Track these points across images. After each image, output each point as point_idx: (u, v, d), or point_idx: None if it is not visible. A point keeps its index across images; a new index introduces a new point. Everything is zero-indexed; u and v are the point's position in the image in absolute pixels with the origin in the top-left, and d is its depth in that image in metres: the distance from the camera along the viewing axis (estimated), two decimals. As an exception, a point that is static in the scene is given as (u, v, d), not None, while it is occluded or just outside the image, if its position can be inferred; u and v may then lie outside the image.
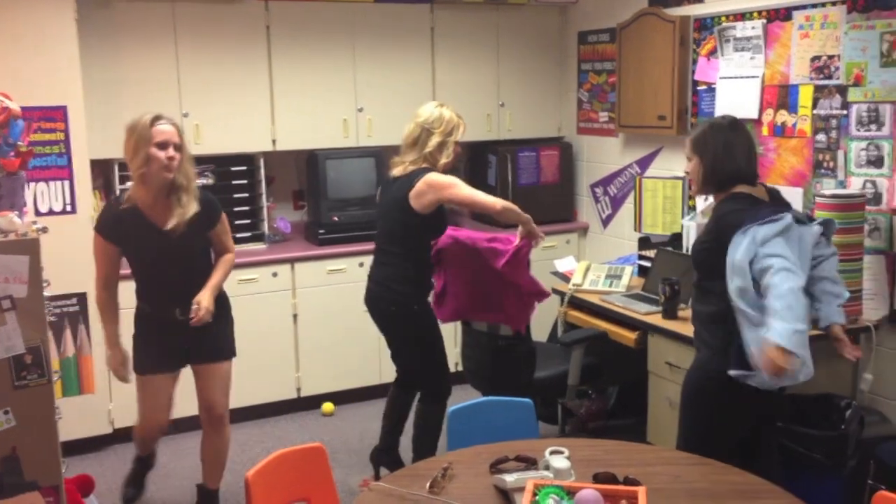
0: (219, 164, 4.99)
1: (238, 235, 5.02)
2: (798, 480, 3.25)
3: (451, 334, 4.67)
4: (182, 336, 3.45)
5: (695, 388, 2.93)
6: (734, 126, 2.94)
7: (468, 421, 2.92)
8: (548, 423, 4.44)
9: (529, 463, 2.52)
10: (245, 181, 5.05)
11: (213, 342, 3.56)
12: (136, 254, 3.44)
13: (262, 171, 5.06)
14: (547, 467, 2.45)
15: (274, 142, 5.02)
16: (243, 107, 4.93)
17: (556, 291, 4.37)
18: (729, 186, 2.89)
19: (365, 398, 5.12)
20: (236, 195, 5.04)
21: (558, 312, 4.33)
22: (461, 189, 3.60)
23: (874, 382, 3.63)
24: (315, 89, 5.10)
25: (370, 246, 5.19)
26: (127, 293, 3.57)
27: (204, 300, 3.38)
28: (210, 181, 4.98)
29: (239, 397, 4.33)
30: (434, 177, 3.62)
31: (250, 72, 4.93)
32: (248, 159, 5.07)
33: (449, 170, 3.74)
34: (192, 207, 3.36)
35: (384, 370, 5.05)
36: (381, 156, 5.18)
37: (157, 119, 3.31)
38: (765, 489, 2.39)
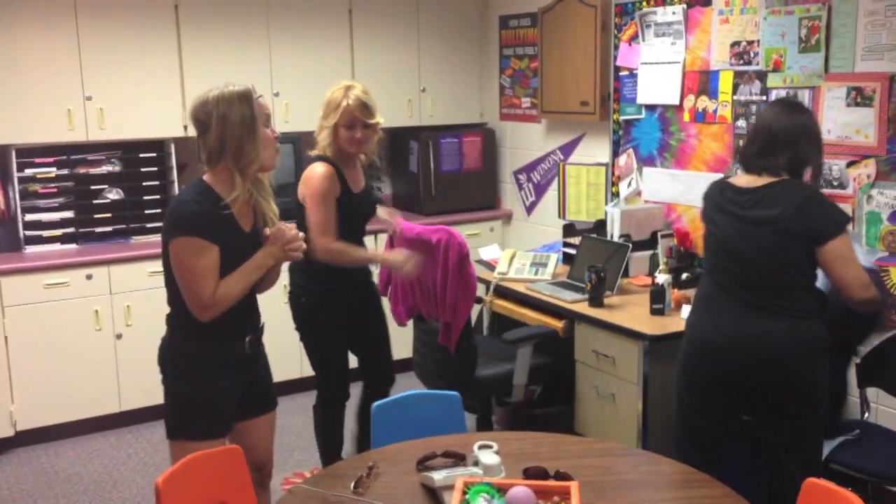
0: (126, 151, 4.76)
1: (148, 225, 4.80)
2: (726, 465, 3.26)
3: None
4: (245, 379, 2.69)
5: (808, 356, 2.74)
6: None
7: (393, 416, 2.81)
8: (473, 412, 4.36)
9: (458, 459, 2.44)
10: (155, 168, 4.82)
11: (270, 383, 2.85)
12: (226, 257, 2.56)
13: (174, 158, 4.83)
14: (476, 463, 2.37)
15: (185, 127, 4.78)
16: (152, 90, 4.68)
17: (480, 280, 4.29)
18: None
19: (284, 392, 4.96)
20: (146, 183, 4.81)
21: (484, 301, 4.25)
22: (313, 206, 3.26)
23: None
24: (228, 72, 4.73)
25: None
26: (156, 324, 2.68)
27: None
28: (116, 168, 4.73)
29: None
30: (308, 174, 3.29)
31: (159, 53, 4.69)
32: (158, 145, 4.84)
33: (344, 158, 3.34)
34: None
35: (304, 364, 4.91)
36: (299, 142, 5.01)
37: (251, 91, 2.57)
38: (696, 478, 2.36)
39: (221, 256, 2.50)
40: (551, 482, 2.18)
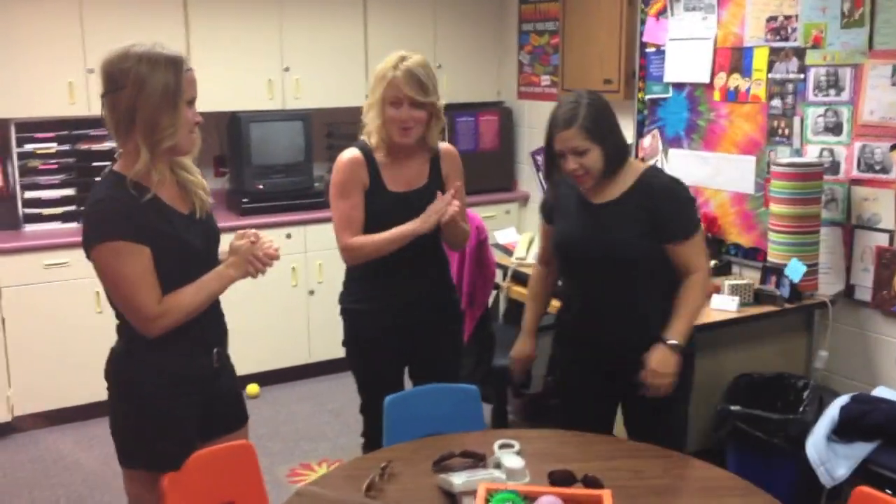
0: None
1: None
2: (755, 466, 3.09)
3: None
4: (210, 397, 2.31)
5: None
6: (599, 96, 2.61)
7: (407, 411, 2.64)
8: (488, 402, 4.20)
9: (477, 459, 2.27)
10: (159, 145, 4.63)
11: (238, 396, 2.49)
12: (171, 254, 2.16)
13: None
14: (498, 465, 2.19)
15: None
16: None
17: (497, 265, 4.11)
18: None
19: (291, 378, 4.81)
20: (150, 160, 4.61)
21: (501, 288, 4.07)
22: (331, 198, 2.79)
23: (829, 359, 3.49)
24: (237, 46, 4.69)
25: (297, 216, 4.89)
26: (103, 339, 2.31)
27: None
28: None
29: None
30: (336, 164, 2.81)
31: (164, 24, 4.49)
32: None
33: (393, 147, 2.74)
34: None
35: (313, 349, 4.76)
36: (310, 119, 4.83)
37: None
38: (733, 484, 2.19)
39: (160, 252, 2.09)
40: (581, 490, 2.01)
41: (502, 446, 2.35)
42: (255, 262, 2.24)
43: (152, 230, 2.08)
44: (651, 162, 4.36)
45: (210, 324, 2.28)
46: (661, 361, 2.45)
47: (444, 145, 2.86)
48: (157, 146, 2.06)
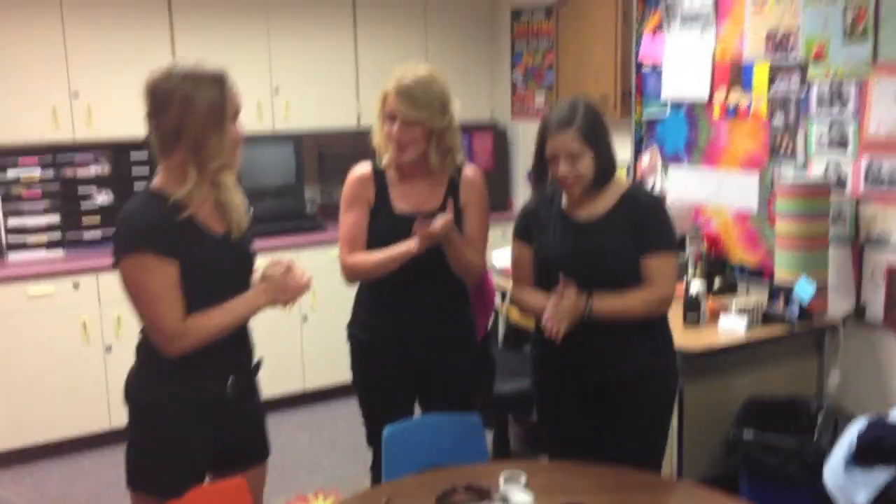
0: (115, 151, 4.47)
1: (140, 230, 4.50)
2: (769, 494, 2.97)
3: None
4: (226, 427, 2.24)
5: (671, 393, 2.61)
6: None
7: (406, 443, 2.52)
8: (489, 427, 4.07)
9: (482, 494, 2.16)
10: (146, 169, 4.52)
11: (260, 432, 2.40)
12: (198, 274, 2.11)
13: (167, 159, 4.54)
14: (504, 500, 2.07)
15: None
16: (141, 86, 4.37)
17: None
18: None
19: (286, 407, 4.67)
20: (137, 185, 4.50)
21: (499, 311, 3.96)
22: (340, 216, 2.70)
23: (841, 382, 3.38)
24: (224, 66, 4.59)
25: (289, 239, 4.79)
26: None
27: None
28: (105, 169, 4.45)
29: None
30: (347, 178, 2.71)
31: (150, 46, 4.40)
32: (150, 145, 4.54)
33: (404, 165, 2.59)
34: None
35: (308, 376, 4.63)
36: (301, 141, 4.73)
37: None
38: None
39: (189, 270, 2.06)
40: (597, 528, 1.89)
41: (508, 479, 2.23)
42: (287, 292, 2.20)
43: (181, 248, 2.05)
44: (650, 179, 4.28)
45: (228, 350, 2.20)
46: (566, 307, 2.35)
47: (468, 170, 2.67)
48: (204, 166, 2.07)
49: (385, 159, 2.61)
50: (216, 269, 2.14)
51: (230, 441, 2.25)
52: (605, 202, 2.47)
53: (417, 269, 2.54)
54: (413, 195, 2.62)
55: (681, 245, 3.86)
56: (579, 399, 2.55)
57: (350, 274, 2.64)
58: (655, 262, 2.43)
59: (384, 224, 2.60)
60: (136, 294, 2.06)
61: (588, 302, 2.37)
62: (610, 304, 2.39)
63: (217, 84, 2.08)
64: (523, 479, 2.22)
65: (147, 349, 2.15)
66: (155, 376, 2.15)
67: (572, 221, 2.49)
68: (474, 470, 2.38)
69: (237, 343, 2.25)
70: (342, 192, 2.67)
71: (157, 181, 2.13)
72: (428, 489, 2.19)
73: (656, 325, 2.52)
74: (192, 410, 2.15)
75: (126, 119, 4.36)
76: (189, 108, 2.04)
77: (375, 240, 2.59)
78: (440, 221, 2.45)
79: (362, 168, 2.67)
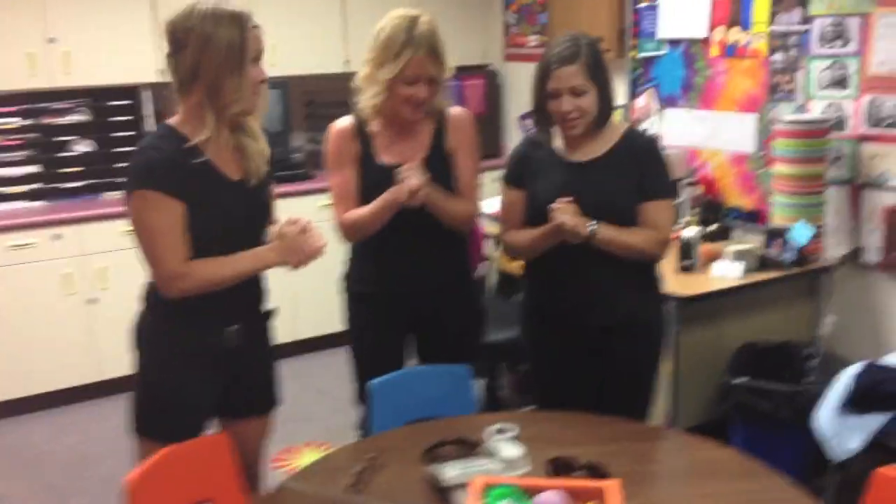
0: (95, 98, 4.36)
1: (121, 180, 4.38)
2: (760, 440, 2.94)
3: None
4: (230, 375, 2.22)
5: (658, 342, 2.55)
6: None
7: (395, 394, 2.47)
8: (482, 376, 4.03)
9: (470, 446, 2.11)
10: (128, 117, 4.42)
11: (268, 383, 2.37)
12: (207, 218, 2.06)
13: (150, 106, 4.42)
14: (492, 453, 2.02)
15: (161, 72, 4.34)
16: (122, 31, 4.25)
17: (486, 236, 3.93)
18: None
19: (279, 356, 4.64)
20: (118, 133, 4.41)
21: (491, 259, 3.89)
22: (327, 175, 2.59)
23: (835, 326, 3.33)
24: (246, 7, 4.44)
25: (280, 188, 4.68)
26: (134, 287, 2.18)
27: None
28: (85, 118, 4.33)
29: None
30: (326, 135, 2.57)
31: (131, -11, 4.25)
32: (131, 92, 4.42)
33: (392, 120, 2.47)
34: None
35: (300, 326, 4.58)
36: (288, 88, 4.60)
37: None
38: (742, 465, 2.03)
39: (197, 214, 2.02)
40: (586, 482, 1.84)
41: (499, 431, 2.18)
42: (299, 254, 2.11)
43: (191, 190, 2.00)
44: (646, 122, 4.18)
45: (236, 298, 2.15)
46: (574, 212, 2.29)
47: (454, 110, 2.55)
48: (223, 111, 2.01)
49: (370, 107, 2.46)
50: (226, 216, 2.08)
51: (237, 389, 2.23)
52: (604, 143, 2.39)
53: (410, 219, 2.44)
54: (399, 145, 2.50)
55: (676, 189, 3.78)
56: (567, 346, 2.50)
57: (348, 232, 2.54)
58: (654, 207, 2.37)
59: (372, 178, 2.49)
60: (140, 231, 2.02)
61: (595, 223, 2.29)
62: (614, 232, 2.32)
63: (237, 23, 1.98)
64: (514, 431, 2.18)
65: (154, 295, 2.12)
66: (161, 323, 2.14)
67: (570, 162, 2.41)
68: (465, 422, 2.34)
69: (247, 291, 2.20)
70: (326, 150, 2.56)
71: (173, 119, 2.07)
72: (416, 443, 2.14)
73: (647, 273, 2.45)
74: (197, 358, 2.13)
75: (105, 66, 4.25)
76: (206, 47, 1.96)
77: (366, 194, 2.49)
78: (407, 184, 2.34)
79: (342, 123, 2.54)
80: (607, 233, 2.30)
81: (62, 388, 4.19)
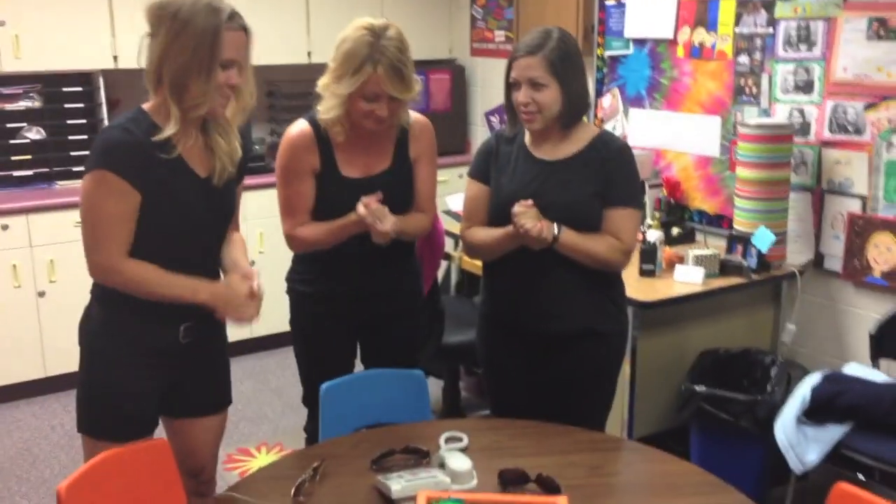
0: (47, 84, 4.21)
1: (76, 169, 4.28)
2: (720, 449, 2.91)
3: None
4: (179, 373, 2.13)
5: (618, 355, 2.49)
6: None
7: (345, 399, 2.39)
8: (440, 377, 3.96)
9: (420, 456, 2.04)
10: (81, 104, 4.28)
11: (220, 381, 2.29)
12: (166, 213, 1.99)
13: (103, 93, 4.29)
14: (442, 465, 1.96)
15: (115, 58, 4.23)
16: (76, 15, 4.11)
17: (448, 234, 3.85)
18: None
19: (234, 354, 4.53)
20: (71, 121, 4.27)
21: (452, 258, 3.82)
22: (277, 182, 2.45)
23: (797, 334, 3.31)
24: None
25: (236, 181, 4.58)
26: (85, 280, 2.05)
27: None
28: (36, 104, 4.19)
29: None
30: (282, 141, 2.42)
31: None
32: (85, 78, 4.29)
33: (354, 128, 2.34)
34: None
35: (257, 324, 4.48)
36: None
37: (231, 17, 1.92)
38: (699, 480, 1.98)
39: (153, 205, 1.92)
40: (535, 498, 1.78)
41: (449, 440, 2.13)
42: (231, 312, 2.03)
43: (154, 182, 1.91)
44: (611, 122, 4.13)
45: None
46: (536, 216, 2.21)
47: (415, 117, 2.46)
48: (186, 111, 1.91)
49: (331, 118, 2.31)
50: (187, 212, 1.99)
51: (187, 387, 2.15)
52: (573, 144, 2.32)
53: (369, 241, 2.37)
54: (361, 156, 2.39)
55: (643, 198, 3.73)
56: (523, 352, 2.44)
57: (297, 247, 2.46)
58: (619, 216, 2.29)
59: (332, 191, 2.38)
60: (88, 211, 1.92)
61: (558, 225, 2.22)
62: (577, 238, 2.25)
63: (211, 21, 1.86)
64: (465, 440, 2.12)
65: (104, 288, 2.02)
66: (109, 318, 2.04)
67: (536, 159, 2.34)
68: (416, 429, 2.27)
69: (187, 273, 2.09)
70: (278, 158, 2.40)
71: (148, 104, 1.96)
72: (365, 451, 2.08)
73: (608, 282, 2.38)
74: (146, 355, 2.05)
75: (58, 51, 4.11)
76: (175, 42, 1.85)
77: (325, 207, 2.39)
78: (384, 230, 2.26)
79: (300, 129, 2.38)
80: (570, 238, 2.24)
81: (7, 383, 4.06)
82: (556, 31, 2.27)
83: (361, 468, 2.01)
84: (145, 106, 1.97)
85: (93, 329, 2.07)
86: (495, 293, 2.48)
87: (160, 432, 2.25)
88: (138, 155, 1.89)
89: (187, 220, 2.01)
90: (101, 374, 2.07)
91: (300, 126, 2.38)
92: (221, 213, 2.12)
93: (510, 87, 2.29)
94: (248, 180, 4.48)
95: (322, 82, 2.31)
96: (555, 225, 2.22)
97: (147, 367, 2.05)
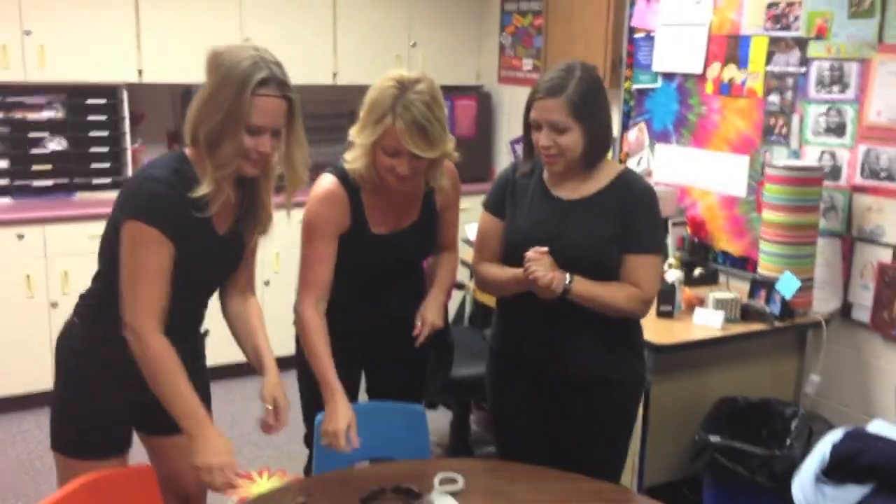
0: (71, 95, 4.21)
1: (96, 182, 4.28)
2: (735, 503, 2.78)
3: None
4: (150, 393, 2.01)
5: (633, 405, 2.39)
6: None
7: (342, 431, 2.31)
8: (449, 408, 3.86)
9: (411, 498, 1.95)
10: (104, 117, 4.27)
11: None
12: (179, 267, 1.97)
13: (126, 106, 4.28)
14: (431, 507, 1.87)
15: (140, 72, 4.24)
16: (101, 27, 4.12)
17: (464, 264, 3.77)
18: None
19: (246, 374, 4.47)
20: (93, 133, 4.26)
21: (466, 289, 3.74)
22: (301, 237, 2.33)
23: (821, 385, 3.16)
24: (192, 13, 4.32)
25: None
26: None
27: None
28: (59, 115, 4.19)
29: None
30: (311, 197, 2.30)
31: (112, -15, 4.12)
32: (110, 91, 4.28)
33: (370, 185, 2.24)
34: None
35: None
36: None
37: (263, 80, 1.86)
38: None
39: (181, 258, 1.92)
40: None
41: (443, 481, 2.03)
42: (213, 480, 1.92)
43: (184, 237, 1.90)
44: (636, 158, 4.03)
45: (171, 320, 1.98)
46: (549, 265, 2.10)
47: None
48: (220, 169, 1.88)
49: (359, 172, 2.21)
50: (195, 268, 1.98)
51: (163, 408, 2.06)
52: (594, 183, 2.21)
53: (387, 280, 2.37)
54: (390, 212, 2.31)
55: (665, 244, 3.63)
56: (533, 393, 2.34)
57: (301, 331, 2.34)
58: (640, 262, 2.17)
59: (361, 249, 2.30)
60: (127, 260, 1.88)
61: (570, 275, 2.11)
62: (592, 288, 2.13)
63: (242, 76, 1.81)
64: (459, 483, 2.03)
65: (90, 307, 2.03)
66: (89, 337, 2.02)
67: (553, 197, 2.23)
68: (412, 466, 2.19)
69: (182, 314, 2.05)
70: (305, 215, 2.27)
71: (190, 151, 1.94)
72: (354, 487, 2.00)
73: (626, 329, 2.27)
74: (121, 377, 1.99)
75: (83, 62, 4.12)
76: (213, 99, 1.83)
77: (352, 265, 2.30)
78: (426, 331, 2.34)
79: (332, 187, 2.25)
80: (584, 289, 2.12)
81: (16, 394, 4.03)
82: (579, 68, 2.15)
83: (350, 507, 1.93)
84: (188, 151, 1.95)
85: (72, 346, 2.05)
86: (507, 329, 2.39)
87: (140, 451, 2.20)
88: (179, 211, 1.88)
89: (195, 274, 1.99)
90: (77, 391, 2.04)
91: (329, 182, 2.26)
92: (229, 263, 2.11)
93: (529, 125, 2.20)
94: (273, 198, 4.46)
95: (352, 130, 2.22)
96: (567, 276, 2.11)
97: (124, 387, 2.01)
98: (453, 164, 2.33)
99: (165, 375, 1.91)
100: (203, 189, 1.88)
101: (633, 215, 2.17)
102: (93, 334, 2.01)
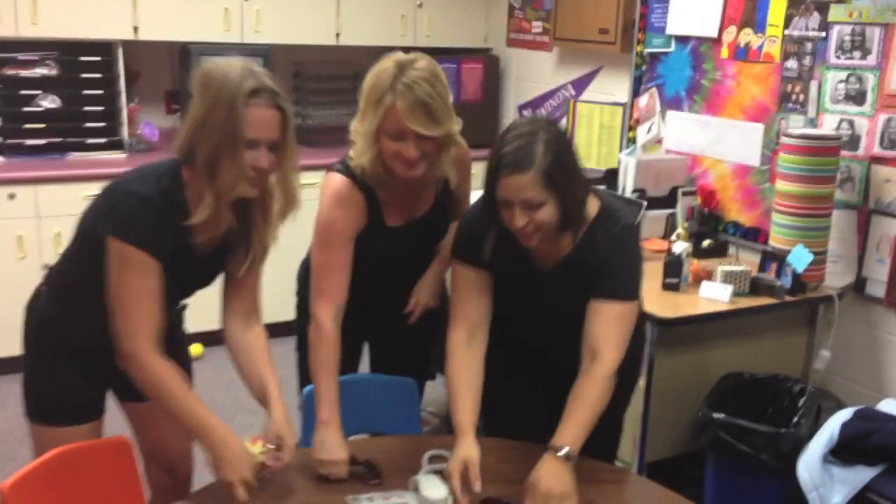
0: (64, 52, 4.10)
1: (90, 141, 4.18)
2: (737, 482, 2.69)
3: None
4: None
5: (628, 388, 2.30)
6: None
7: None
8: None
9: (373, 475, 1.91)
10: (99, 75, 4.16)
11: (181, 362, 2.12)
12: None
13: (121, 64, 4.17)
14: (416, 488, 1.79)
15: (136, 29, 4.12)
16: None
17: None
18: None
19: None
20: (87, 91, 4.15)
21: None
22: (313, 240, 2.22)
23: (831, 361, 3.06)
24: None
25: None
26: (27, 287, 2.14)
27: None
28: (53, 72, 4.08)
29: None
30: (322, 187, 2.19)
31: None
32: (104, 48, 4.17)
33: (379, 181, 2.13)
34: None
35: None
36: (269, 55, 4.33)
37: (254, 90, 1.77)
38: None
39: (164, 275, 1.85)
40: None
41: (433, 459, 1.95)
42: (221, 472, 1.83)
43: (167, 257, 1.83)
44: (647, 124, 3.90)
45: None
46: (552, 482, 1.79)
47: (457, 154, 2.20)
48: (222, 195, 1.80)
49: (367, 167, 2.09)
50: (181, 283, 1.97)
51: None
52: (564, 244, 1.99)
53: (401, 269, 2.31)
54: (405, 203, 2.21)
55: (672, 198, 3.51)
56: (525, 375, 2.24)
57: (317, 342, 2.22)
58: (609, 313, 1.93)
59: (377, 241, 2.20)
60: (117, 285, 1.82)
61: (568, 457, 1.84)
62: (580, 429, 1.88)
63: (232, 97, 1.72)
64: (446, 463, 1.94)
65: (65, 285, 2.00)
66: (56, 311, 2.00)
67: (532, 270, 2.04)
68: (399, 442, 2.11)
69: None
70: (318, 216, 2.16)
71: (186, 172, 1.84)
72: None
73: None
74: (90, 345, 1.96)
75: (76, 18, 4.00)
76: (208, 119, 1.74)
77: (369, 257, 2.19)
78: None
79: (345, 190, 2.13)
80: (579, 438, 1.87)
81: (9, 355, 3.97)
82: (542, 129, 1.86)
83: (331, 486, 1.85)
84: (183, 172, 1.84)
85: (37, 317, 2.04)
86: (497, 336, 2.17)
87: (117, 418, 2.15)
88: (165, 235, 1.81)
89: (178, 286, 1.95)
90: (42, 359, 2.02)
91: (342, 183, 2.12)
92: (203, 283, 2.06)
93: (494, 201, 1.89)
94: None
95: (353, 126, 2.11)
96: (562, 458, 1.83)
97: (95, 353, 1.96)
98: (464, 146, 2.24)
99: (174, 399, 1.86)
100: (198, 216, 1.81)
101: (601, 261, 1.95)
102: (60, 308, 1.99)
